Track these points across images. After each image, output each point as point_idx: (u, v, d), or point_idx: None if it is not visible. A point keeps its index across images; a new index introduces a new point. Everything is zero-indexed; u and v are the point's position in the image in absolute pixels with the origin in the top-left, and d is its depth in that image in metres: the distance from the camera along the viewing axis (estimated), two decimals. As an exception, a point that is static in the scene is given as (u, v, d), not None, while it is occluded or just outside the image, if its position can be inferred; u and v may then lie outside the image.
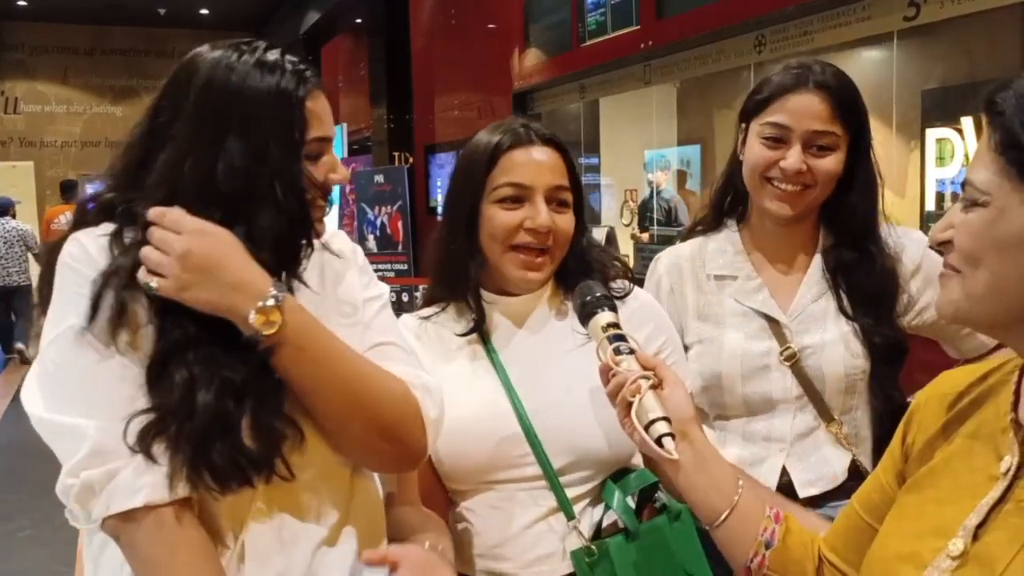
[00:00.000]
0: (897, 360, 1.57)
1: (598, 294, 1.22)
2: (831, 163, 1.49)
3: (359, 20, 10.52)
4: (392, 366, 1.15)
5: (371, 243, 9.11)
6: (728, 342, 1.54)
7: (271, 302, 1.00)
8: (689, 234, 1.69)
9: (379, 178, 9.11)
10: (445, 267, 1.41)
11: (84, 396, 1.00)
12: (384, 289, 1.28)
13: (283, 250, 1.08)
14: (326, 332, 1.07)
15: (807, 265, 1.58)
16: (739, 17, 4.49)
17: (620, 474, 1.30)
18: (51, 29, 16.04)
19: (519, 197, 1.33)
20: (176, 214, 1.01)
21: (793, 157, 1.46)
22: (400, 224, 8.82)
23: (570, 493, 1.28)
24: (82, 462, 0.97)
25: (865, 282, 1.53)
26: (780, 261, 1.60)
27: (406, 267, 8.74)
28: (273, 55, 1.12)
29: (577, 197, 1.40)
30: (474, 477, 1.32)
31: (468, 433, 1.29)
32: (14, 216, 10.07)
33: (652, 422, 1.06)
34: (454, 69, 8.89)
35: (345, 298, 1.20)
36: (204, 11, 15.83)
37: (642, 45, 5.54)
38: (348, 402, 1.07)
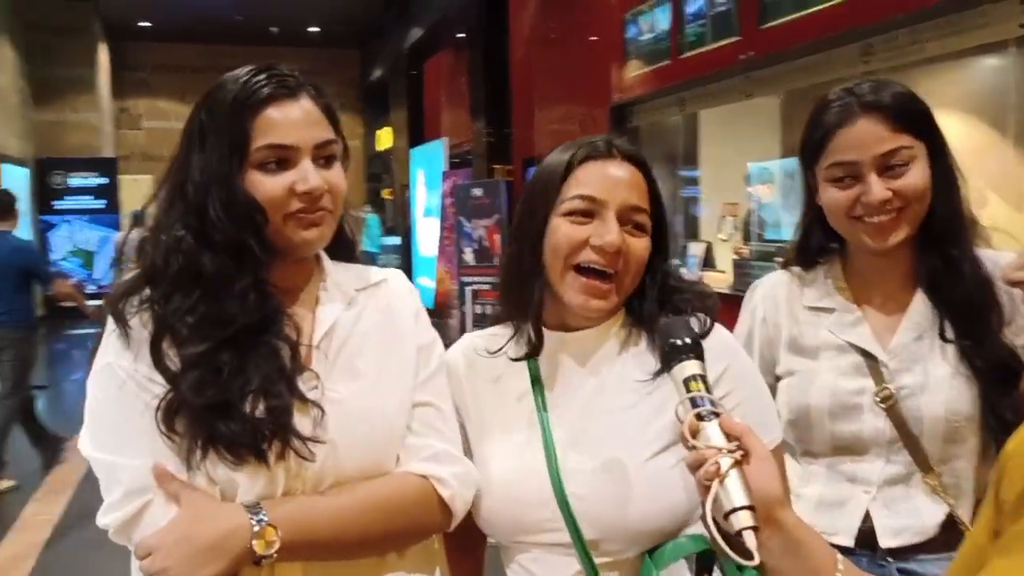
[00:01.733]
0: (1010, 382, 1.39)
1: (685, 339, 1.05)
2: (914, 177, 1.37)
3: (461, 35, 10.66)
4: (420, 453, 1.18)
5: (468, 256, 9.19)
6: (819, 376, 1.45)
7: (257, 527, 1.04)
8: (785, 267, 1.60)
9: (477, 191, 9.18)
10: (508, 285, 1.29)
11: (118, 432, 1.08)
12: (434, 335, 1.29)
13: (244, 258, 1.09)
14: (316, 500, 1.10)
15: (910, 298, 1.47)
16: (844, 25, 4.34)
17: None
18: (170, 49, 16.86)
19: (589, 211, 1.19)
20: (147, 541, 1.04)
21: (874, 188, 1.36)
22: (497, 237, 8.86)
23: (601, 562, 1.15)
24: (119, 502, 1.06)
25: (955, 292, 1.40)
26: (881, 294, 1.49)
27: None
28: (257, 70, 1.13)
29: (658, 223, 1.25)
30: (502, 534, 1.24)
31: (498, 489, 1.21)
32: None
33: (731, 512, 0.93)
34: (552, 82, 8.90)
35: (399, 331, 1.24)
36: (313, 29, 16.34)
37: (742, 56, 5.41)
38: (364, 536, 1.12)
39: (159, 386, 1.07)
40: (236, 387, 1.06)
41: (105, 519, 1.07)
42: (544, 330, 1.25)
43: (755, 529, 0.91)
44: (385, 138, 16.28)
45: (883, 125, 1.36)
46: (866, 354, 1.44)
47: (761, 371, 1.43)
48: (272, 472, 1.08)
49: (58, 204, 13.48)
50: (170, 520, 1.05)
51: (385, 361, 1.20)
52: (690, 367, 1.03)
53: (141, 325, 1.10)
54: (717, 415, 0.99)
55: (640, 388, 1.20)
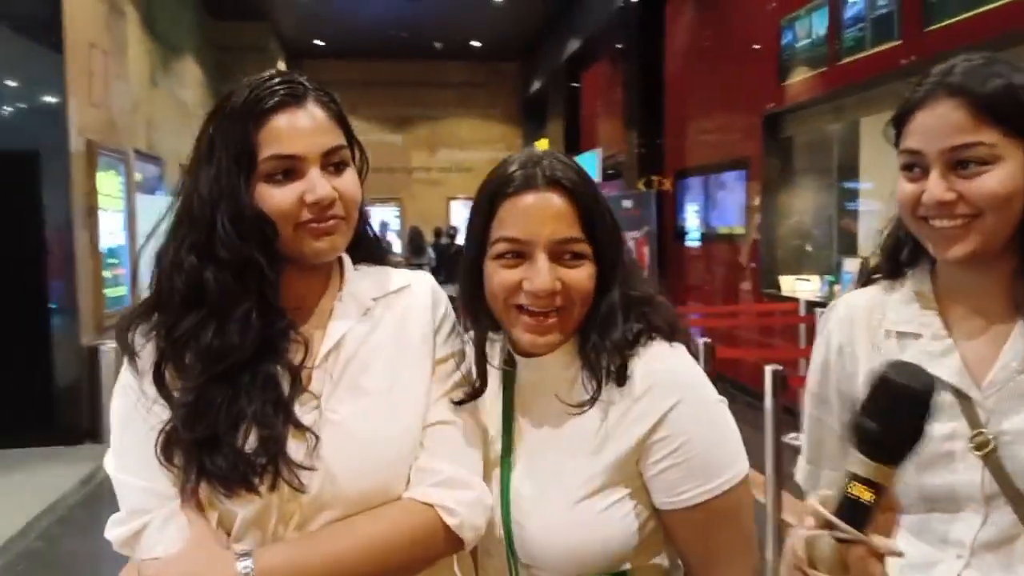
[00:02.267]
0: None
1: (870, 426, 0.83)
2: (992, 181, 1.13)
3: (618, 46, 10.60)
4: (429, 478, 1.12)
5: (617, 268, 9.11)
6: None
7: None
8: (867, 281, 1.36)
9: (627, 203, 9.09)
10: (466, 313, 1.25)
11: (126, 452, 1.10)
12: (460, 346, 1.21)
13: (248, 275, 1.07)
14: (310, 545, 1.06)
15: (1013, 324, 1.21)
16: (1016, 25, 4.00)
17: None
18: (344, 65, 17.64)
19: (519, 252, 1.12)
20: None
21: (932, 187, 1.14)
22: (646, 249, 8.73)
23: None
24: (123, 519, 1.09)
25: None
26: (979, 317, 1.24)
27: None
28: (263, 79, 1.10)
29: (603, 244, 1.15)
30: (477, 552, 1.23)
31: None
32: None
33: None
34: (706, 92, 8.70)
35: (414, 344, 1.18)
36: (475, 43, 16.71)
37: (904, 61, 5.09)
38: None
39: (164, 413, 1.07)
40: (227, 420, 1.04)
41: (109, 533, 1.10)
42: (513, 354, 1.22)
43: None
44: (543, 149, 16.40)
45: (963, 112, 1.13)
46: (958, 391, 1.21)
47: (838, 411, 1.28)
48: (266, 500, 1.06)
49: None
50: (168, 558, 1.05)
51: (396, 377, 1.14)
52: (868, 469, 0.82)
53: (148, 353, 1.09)
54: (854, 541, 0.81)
55: (584, 420, 1.14)
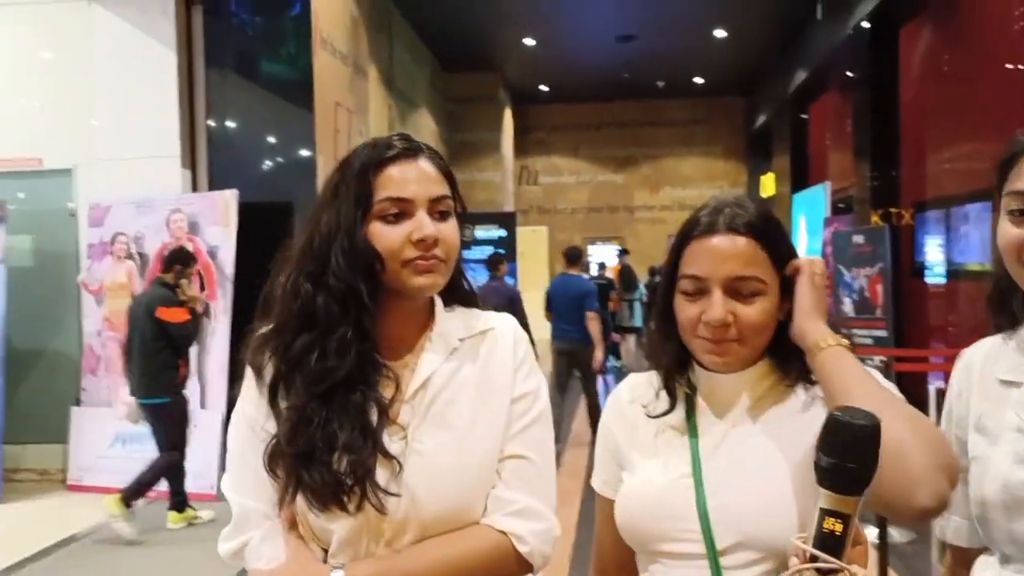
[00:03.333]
0: None
1: (851, 465, 0.91)
2: None
3: (850, 74, 10.17)
4: (505, 507, 1.23)
5: (847, 307, 8.65)
6: (994, 464, 1.22)
7: None
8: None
9: (858, 238, 8.63)
10: (652, 342, 1.37)
11: (235, 471, 1.26)
12: (536, 384, 1.32)
13: (350, 303, 1.20)
14: (394, 562, 1.19)
15: None
16: None
17: None
18: (566, 109, 18.15)
19: (700, 289, 1.23)
20: None
21: None
22: (880, 288, 8.23)
23: (729, 573, 1.18)
24: (229, 534, 1.25)
25: None
26: None
27: (885, 334, 8.11)
28: (387, 138, 1.27)
29: (790, 280, 1.25)
30: (639, 542, 1.27)
31: (637, 500, 1.27)
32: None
33: None
34: (949, 118, 8.13)
35: (495, 382, 1.29)
36: (699, 80, 16.61)
37: None
38: None
39: (273, 429, 1.22)
40: (323, 440, 1.18)
41: (219, 547, 1.26)
42: (698, 368, 1.29)
43: None
44: (768, 184, 15.97)
45: None
46: None
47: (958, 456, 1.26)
48: (358, 519, 1.18)
49: (467, 254, 14.94)
50: (272, 569, 1.20)
51: (478, 412, 1.26)
52: (835, 502, 0.90)
53: (269, 371, 1.25)
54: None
55: (778, 429, 1.22)
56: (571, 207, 18.47)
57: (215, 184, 6.34)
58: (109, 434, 5.94)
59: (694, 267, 1.23)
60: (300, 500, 1.19)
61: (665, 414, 1.30)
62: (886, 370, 5.30)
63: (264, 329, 1.29)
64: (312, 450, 1.18)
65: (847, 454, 0.90)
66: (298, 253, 1.28)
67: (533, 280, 13.04)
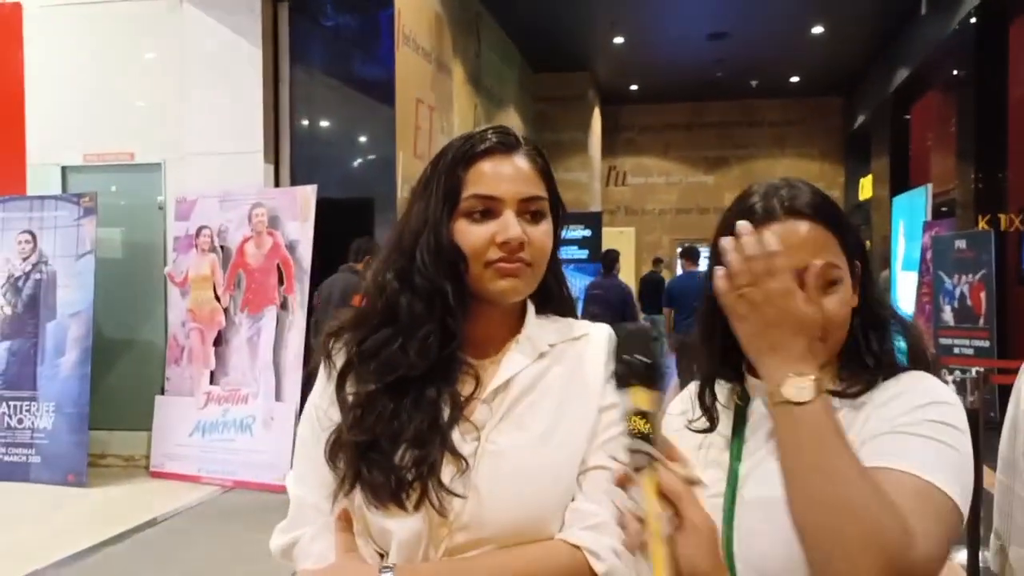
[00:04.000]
0: None
1: (640, 359, 0.95)
2: None
3: (955, 72, 9.69)
4: (583, 520, 1.13)
5: (947, 315, 8.22)
6: None
7: None
8: None
9: (960, 244, 8.20)
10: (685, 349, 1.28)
11: (301, 469, 1.19)
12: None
13: (435, 303, 1.14)
14: (450, 569, 1.10)
15: None
16: None
17: None
18: (656, 109, 17.86)
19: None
20: None
21: None
22: (983, 295, 7.80)
23: None
24: (283, 528, 1.19)
25: None
26: None
27: (987, 344, 7.68)
28: (483, 130, 1.19)
29: (858, 269, 1.14)
30: None
31: None
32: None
33: None
34: (1062, 118, 7.65)
35: (584, 388, 1.20)
36: (794, 79, 16.12)
37: None
38: None
39: (337, 417, 1.15)
40: (389, 432, 1.10)
41: (271, 541, 1.19)
42: (749, 378, 1.17)
43: None
44: (867, 187, 15.39)
45: None
46: None
47: None
48: (418, 521, 1.09)
49: (553, 254, 14.95)
50: (318, 569, 1.13)
51: (562, 418, 1.16)
52: (637, 399, 0.94)
53: (340, 359, 1.18)
54: (654, 461, 0.91)
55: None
56: (659, 208, 18.18)
57: (297, 179, 6.44)
58: (190, 423, 6.08)
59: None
60: (358, 496, 1.12)
61: (706, 431, 1.19)
62: (984, 382, 4.98)
63: (344, 318, 1.23)
64: (376, 441, 1.11)
65: (642, 351, 0.96)
66: (387, 248, 1.23)
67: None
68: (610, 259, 8.16)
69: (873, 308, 1.13)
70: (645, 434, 0.93)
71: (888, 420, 1.02)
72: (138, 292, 6.57)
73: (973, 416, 4.43)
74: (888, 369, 1.10)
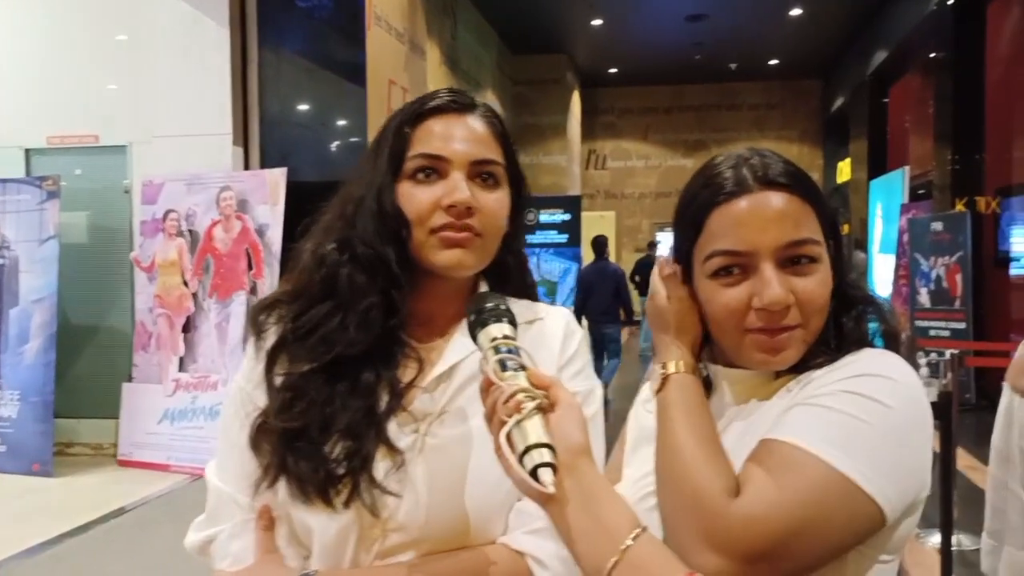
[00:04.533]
0: None
1: (494, 304, 0.96)
2: None
3: (932, 55, 9.66)
4: (527, 523, 1.03)
5: (923, 297, 8.23)
6: None
7: None
8: None
9: (936, 226, 8.21)
10: None
11: (222, 457, 1.10)
12: (586, 387, 1.12)
13: (378, 273, 1.06)
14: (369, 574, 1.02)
15: None
16: None
17: None
18: (636, 92, 17.79)
19: (744, 267, 0.98)
20: None
21: None
22: (959, 278, 7.81)
23: None
24: (199, 524, 1.11)
25: None
26: None
27: (963, 326, 7.69)
28: (436, 90, 1.12)
29: (834, 243, 1.03)
30: None
31: None
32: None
33: (528, 450, 0.84)
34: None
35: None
36: (773, 61, 16.09)
37: None
38: None
39: (262, 400, 1.06)
40: (320, 419, 1.01)
41: (187, 538, 1.11)
42: (711, 367, 1.08)
43: (553, 468, 0.84)
44: (845, 170, 15.40)
45: None
46: None
47: (1022, 472, 1.11)
48: (346, 520, 1.00)
49: (530, 238, 14.89)
50: (233, 573, 1.05)
51: None
52: (497, 328, 0.94)
53: (271, 336, 1.09)
54: (524, 368, 0.91)
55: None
56: (639, 192, 18.12)
57: (267, 162, 6.31)
58: (158, 411, 5.98)
59: (728, 240, 0.98)
60: (283, 490, 1.02)
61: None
62: (960, 364, 4.97)
63: (277, 292, 1.14)
64: (305, 428, 1.00)
65: (492, 301, 0.97)
66: (328, 217, 1.12)
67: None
68: (600, 244, 8.54)
69: (846, 290, 1.03)
70: (512, 348, 0.93)
71: (809, 392, 0.94)
72: (104, 278, 6.44)
73: (947, 398, 4.43)
74: (855, 346, 1.00)
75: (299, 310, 1.08)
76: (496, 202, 1.09)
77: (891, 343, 1.03)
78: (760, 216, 0.96)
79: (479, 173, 1.08)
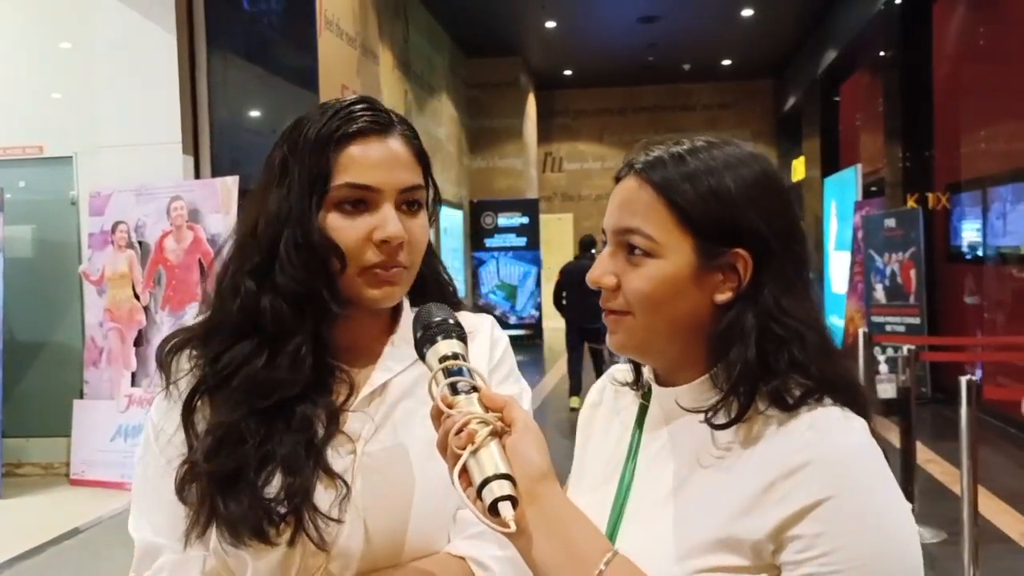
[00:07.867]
0: None
1: (442, 318, 0.92)
2: None
3: (881, 53, 9.81)
4: (467, 528, 1.02)
5: (879, 293, 8.34)
6: None
7: None
8: None
9: (890, 222, 8.32)
10: None
11: (146, 508, 1.05)
12: (514, 391, 1.10)
13: (306, 308, 1.00)
14: None
15: None
16: None
17: None
18: (590, 94, 17.83)
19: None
20: None
21: None
22: (912, 273, 7.92)
23: None
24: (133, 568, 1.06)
25: None
26: None
27: (918, 321, 7.80)
28: (349, 104, 1.04)
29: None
30: None
31: None
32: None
33: (486, 482, 0.81)
34: (985, 97, 7.77)
35: None
36: (726, 62, 16.23)
37: None
38: None
39: (183, 447, 1.00)
40: (256, 460, 0.95)
41: None
42: (652, 383, 1.03)
43: (513, 501, 0.81)
44: (799, 168, 15.59)
45: None
46: None
47: None
48: (285, 552, 0.96)
49: (489, 242, 14.86)
50: None
51: None
52: (446, 346, 0.91)
53: (187, 381, 1.02)
54: (476, 390, 0.87)
55: (719, 474, 0.90)
56: (596, 193, 18.16)
57: (218, 171, 6.19)
58: (111, 427, 5.83)
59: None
60: (214, 537, 0.96)
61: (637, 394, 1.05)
62: (916, 360, 5.00)
63: (188, 328, 1.05)
64: (239, 470, 0.94)
65: (438, 314, 0.93)
66: (240, 240, 1.04)
67: (557, 268, 12.78)
68: (586, 243, 8.87)
69: (762, 317, 0.89)
70: (463, 369, 0.90)
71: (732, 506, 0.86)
72: (52, 292, 6.27)
73: (906, 394, 4.47)
74: (778, 396, 0.87)
75: (218, 349, 1.01)
76: (421, 229, 1.05)
77: (849, 396, 0.90)
78: (611, 202, 0.99)
79: (405, 200, 1.04)
